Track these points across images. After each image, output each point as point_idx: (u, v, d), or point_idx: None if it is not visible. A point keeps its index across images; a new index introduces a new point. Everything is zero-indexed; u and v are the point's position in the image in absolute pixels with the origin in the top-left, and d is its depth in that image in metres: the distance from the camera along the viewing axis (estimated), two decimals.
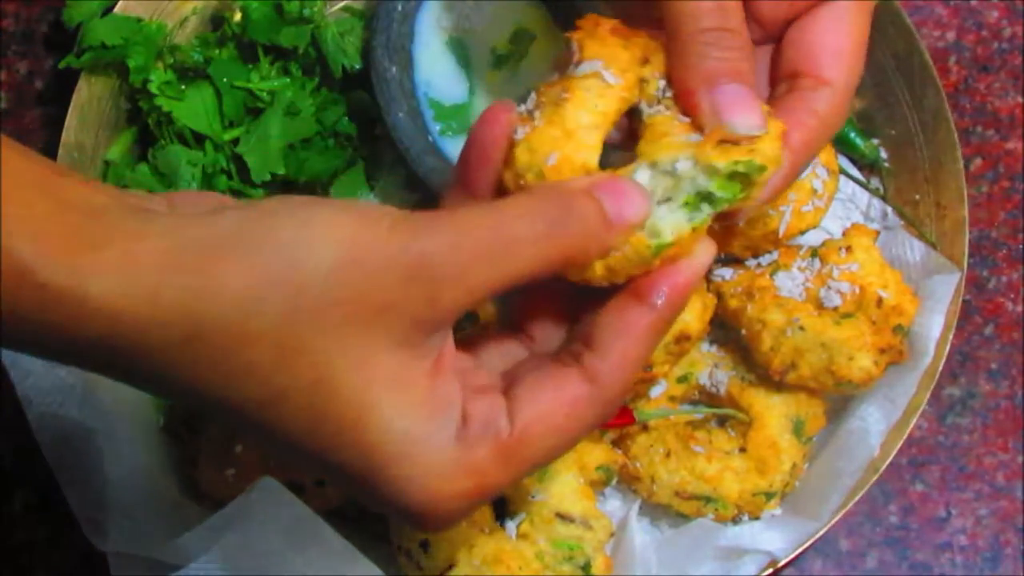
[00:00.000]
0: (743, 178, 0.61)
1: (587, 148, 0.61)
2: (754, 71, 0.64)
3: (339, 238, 0.53)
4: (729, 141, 0.61)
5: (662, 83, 0.64)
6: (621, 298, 0.59)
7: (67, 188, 0.53)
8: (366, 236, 0.53)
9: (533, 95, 0.63)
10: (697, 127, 0.62)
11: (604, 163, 0.63)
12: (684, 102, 0.63)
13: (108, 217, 0.53)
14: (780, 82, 0.67)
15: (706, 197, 0.61)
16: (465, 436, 0.55)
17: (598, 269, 0.59)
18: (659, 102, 0.64)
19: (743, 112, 0.61)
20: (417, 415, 0.55)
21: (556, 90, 0.62)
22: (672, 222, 0.59)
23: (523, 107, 0.63)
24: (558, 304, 0.63)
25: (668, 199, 0.60)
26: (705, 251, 0.60)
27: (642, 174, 0.60)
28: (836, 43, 0.66)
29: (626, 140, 0.66)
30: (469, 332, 0.65)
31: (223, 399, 0.54)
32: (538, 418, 0.56)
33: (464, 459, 0.55)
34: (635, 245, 0.58)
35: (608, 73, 0.63)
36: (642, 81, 0.64)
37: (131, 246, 0.52)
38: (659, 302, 0.58)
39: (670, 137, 0.62)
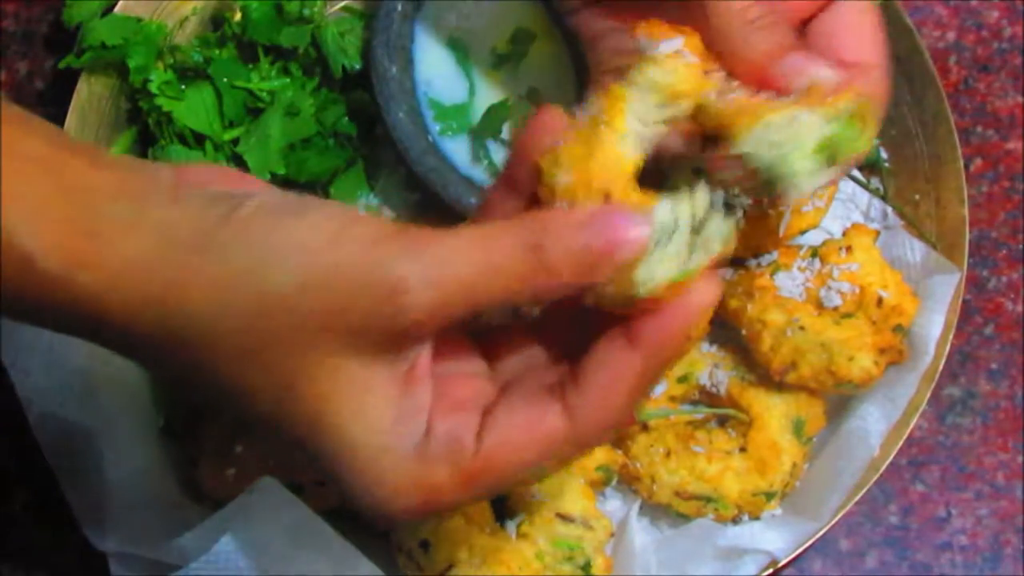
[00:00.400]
0: (859, 119, 0.62)
1: (610, 170, 0.60)
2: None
3: (312, 253, 0.53)
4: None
5: (722, 74, 0.66)
6: (612, 336, 0.57)
7: (69, 168, 0.54)
8: (345, 250, 0.53)
9: (594, 99, 0.63)
10: (781, 96, 0.64)
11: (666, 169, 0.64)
12: (758, 82, 0.65)
13: (105, 205, 0.54)
14: None
15: (829, 145, 0.62)
16: (425, 452, 0.55)
17: (588, 297, 0.57)
18: (730, 91, 0.65)
19: (821, 66, 0.64)
20: (379, 425, 0.54)
21: (601, 104, 0.62)
22: (659, 272, 0.57)
23: (581, 111, 0.62)
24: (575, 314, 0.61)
25: (667, 243, 0.59)
26: (705, 294, 0.58)
27: (663, 208, 0.59)
28: (864, 30, 0.69)
29: (689, 145, 0.67)
30: (495, 329, 0.63)
31: (205, 386, 0.55)
32: (507, 446, 0.55)
33: (420, 475, 0.55)
34: (620, 284, 0.57)
35: (688, 53, 0.64)
36: (706, 73, 0.65)
37: (122, 239, 0.53)
38: (649, 350, 0.56)
39: (761, 108, 0.63)
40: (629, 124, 0.61)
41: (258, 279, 0.53)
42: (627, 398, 0.56)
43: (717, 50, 0.66)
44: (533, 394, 0.57)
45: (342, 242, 0.53)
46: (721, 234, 0.61)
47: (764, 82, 0.64)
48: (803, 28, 0.70)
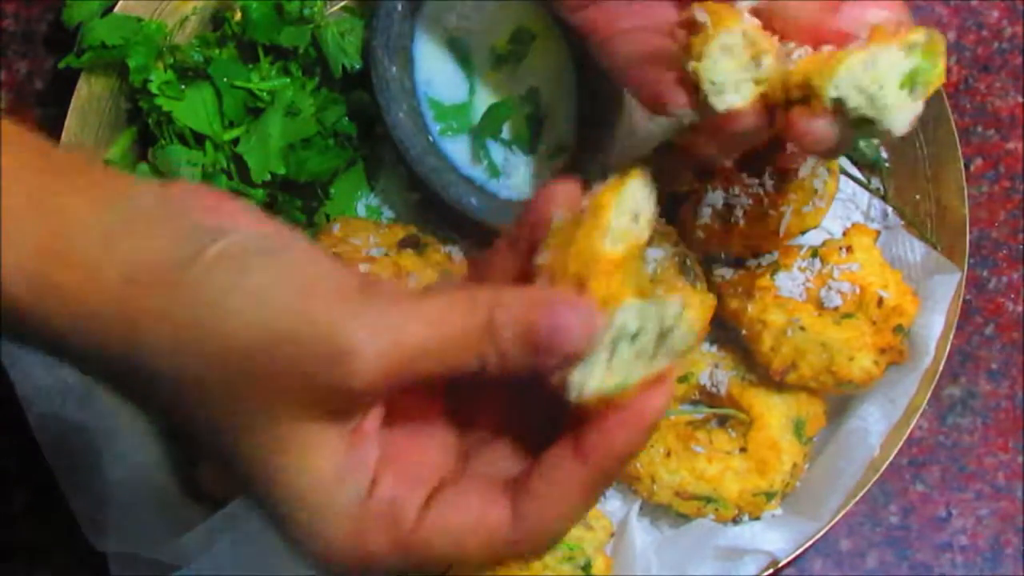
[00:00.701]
0: (933, 49, 0.66)
1: (585, 262, 0.57)
2: None
3: (270, 306, 0.53)
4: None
5: (775, 39, 0.68)
6: (563, 444, 0.55)
7: (48, 191, 0.54)
8: (302, 307, 0.53)
9: (612, 176, 0.62)
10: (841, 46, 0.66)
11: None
12: (815, 40, 0.66)
13: (79, 233, 0.54)
14: None
15: (912, 78, 0.65)
16: (365, 513, 0.54)
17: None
18: (791, 53, 0.67)
19: (877, 8, 0.66)
20: (322, 480, 0.54)
21: (596, 192, 0.60)
22: (593, 381, 0.55)
23: (597, 185, 0.60)
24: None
25: (624, 346, 0.55)
26: (656, 402, 0.55)
27: (628, 311, 0.56)
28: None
29: (760, 119, 0.69)
30: (475, 387, 0.60)
31: (169, 416, 0.56)
32: (447, 530, 0.55)
33: (356, 535, 0.54)
34: (559, 380, 0.55)
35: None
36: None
37: (91, 270, 0.53)
38: (595, 463, 0.55)
39: (838, 55, 0.65)
40: (615, 220, 0.59)
41: (218, 325, 0.53)
42: (572, 509, 0.55)
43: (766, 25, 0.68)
44: (487, 484, 0.56)
45: (302, 298, 0.53)
46: (680, 346, 0.57)
47: (822, 38, 0.65)
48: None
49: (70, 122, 0.90)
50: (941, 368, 0.87)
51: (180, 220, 0.56)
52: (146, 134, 0.92)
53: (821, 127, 0.66)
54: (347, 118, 0.92)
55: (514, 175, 0.90)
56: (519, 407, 0.60)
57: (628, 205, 0.58)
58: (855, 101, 0.65)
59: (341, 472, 0.54)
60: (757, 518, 0.85)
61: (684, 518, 0.86)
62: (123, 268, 0.53)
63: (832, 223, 0.92)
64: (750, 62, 0.67)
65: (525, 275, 0.59)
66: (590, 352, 0.54)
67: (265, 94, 0.90)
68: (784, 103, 0.67)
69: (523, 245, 0.59)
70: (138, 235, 0.55)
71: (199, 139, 0.90)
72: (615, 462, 0.55)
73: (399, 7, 0.90)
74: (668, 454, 0.85)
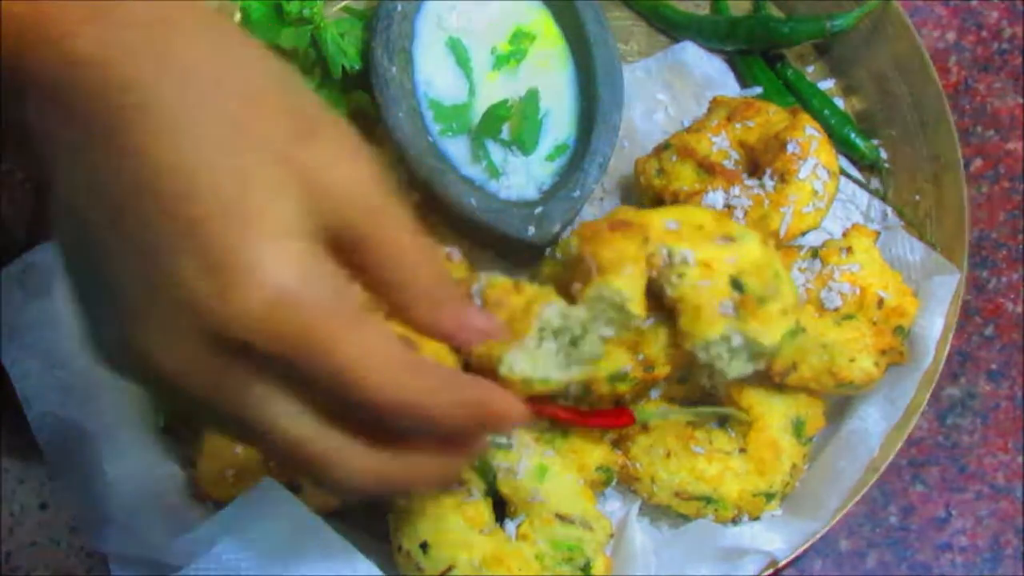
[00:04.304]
0: (780, 347, 0.81)
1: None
2: None
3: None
4: None
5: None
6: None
7: None
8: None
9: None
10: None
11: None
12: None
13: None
14: None
15: (757, 354, 0.78)
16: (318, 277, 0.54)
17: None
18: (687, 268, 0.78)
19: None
20: (281, 227, 0.55)
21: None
22: (517, 364, 0.74)
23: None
24: None
25: (541, 342, 0.74)
26: (518, 408, 0.61)
27: (551, 307, 0.74)
28: None
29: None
30: None
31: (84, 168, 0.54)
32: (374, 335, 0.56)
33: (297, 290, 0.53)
34: (487, 357, 0.74)
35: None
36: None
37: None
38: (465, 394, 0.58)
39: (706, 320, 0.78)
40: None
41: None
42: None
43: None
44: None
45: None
46: (590, 356, 0.75)
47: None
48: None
49: None
50: (941, 368, 0.87)
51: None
52: None
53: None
54: (347, 118, 0.92)
55: (514, 175, 0.90)
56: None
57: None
58: (702, 358, 0.78)
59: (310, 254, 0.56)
60: (757, 518, 0.85)
61: (684, 518, 0.87)
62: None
63: (832, 224, 0.93)
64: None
65: None
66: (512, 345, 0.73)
67: None
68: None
69: None
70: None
71: None
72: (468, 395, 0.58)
73: (399, 7, 0.90)
74: (668, 454, 0.85)
